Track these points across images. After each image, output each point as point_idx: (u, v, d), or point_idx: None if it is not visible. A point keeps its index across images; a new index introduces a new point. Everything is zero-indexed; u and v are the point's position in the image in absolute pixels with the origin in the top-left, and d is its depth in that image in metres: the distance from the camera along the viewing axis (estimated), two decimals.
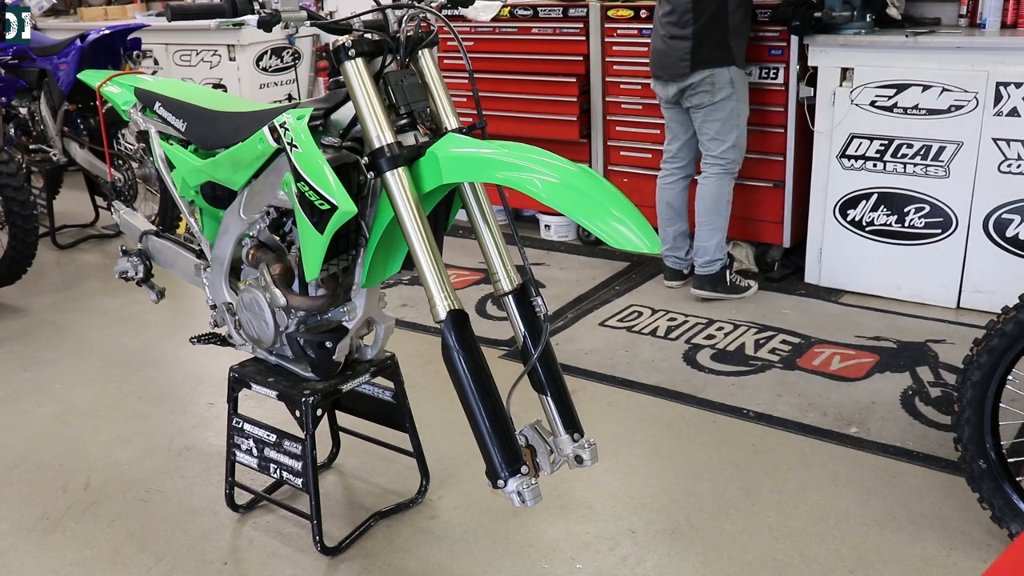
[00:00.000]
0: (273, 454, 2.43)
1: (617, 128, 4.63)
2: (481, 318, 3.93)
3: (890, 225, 3.90)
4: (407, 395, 2.57)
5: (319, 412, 2.35)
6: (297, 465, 2.37)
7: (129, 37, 4.87)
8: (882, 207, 3.90)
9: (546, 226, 5.00)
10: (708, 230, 3.99)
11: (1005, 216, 3.64)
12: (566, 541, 2.45)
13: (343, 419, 2.84)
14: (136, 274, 2.87)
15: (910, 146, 3.77)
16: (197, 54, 6.25)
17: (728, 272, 4.05)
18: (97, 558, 2.48)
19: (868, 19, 3.90)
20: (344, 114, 2.14)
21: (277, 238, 2.39)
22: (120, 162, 4.73)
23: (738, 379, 3.32)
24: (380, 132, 1.97)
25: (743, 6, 3.78)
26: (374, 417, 2.69)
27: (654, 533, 2.47)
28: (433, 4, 2.10)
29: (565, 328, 3.81)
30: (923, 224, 3.83)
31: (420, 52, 2.10)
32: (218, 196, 2.47)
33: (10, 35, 4.53)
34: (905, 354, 3.45)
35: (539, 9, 4.65)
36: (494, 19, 4.76)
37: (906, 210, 3.85)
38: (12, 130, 5.13)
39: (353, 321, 2.32)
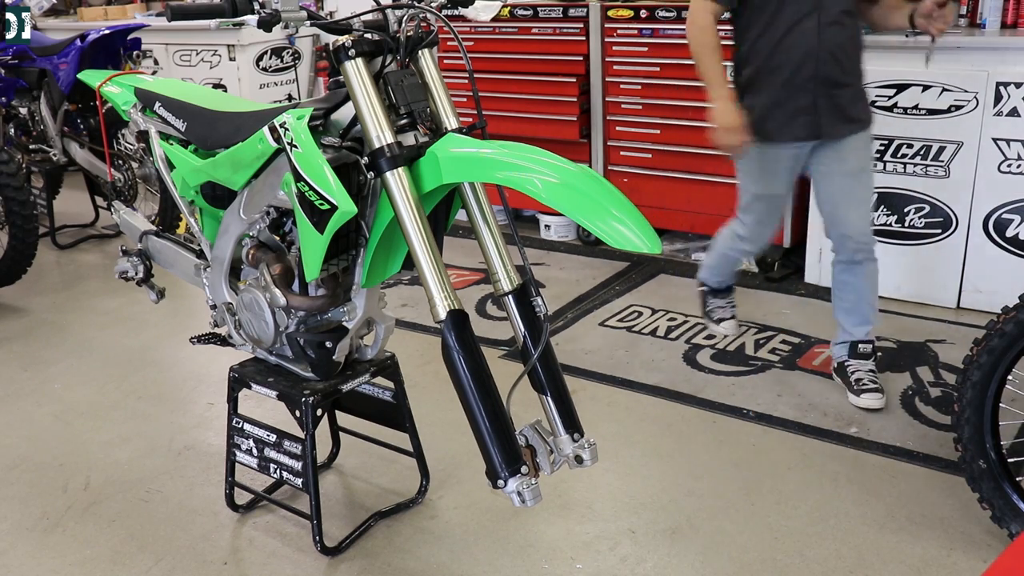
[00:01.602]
0: (273, 454, 2.43)
1: (617, 128, 4.63)
2: (481, 318, 3.93)
3: (890, 225, 3.90)
4: (407, 395, 2.57)
5: (319, 412, 2.35)
6: (297, 465, 2.37)
7: (129, 37, 4.86)
8: (882, 207, 3.90)
9: (546, 226, 5.00)
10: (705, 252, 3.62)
11: (1005, 216, 3.64)
12: (566, 541, 2.45)
13: (343, 419, 2.84)
14: (136, 274, 2.87)
15: (910, 146, 3.77)
16: (197, 54, 6.24)
17: (709, 302, 3.62)
18: (97, 558, 2.48)
19: None
20: (344, 114, 2.14)
21: (277, 238, 2.39)
22: (120, 162, 4.73)
23: (738, 379, 3.32)
24: (380, 132, 1.97)
25: (754, 61, 2.89)
26: (374, 417, 2.69)
27: (654, 533, 2.47)
28: (433, 4, 2.10)
29: (565, 328, 3.81)
30: (923, 224, 3.83)
31: (420, 52, 2.10)
32: (218, 196, 2.47)
33: (10, 35, 4.53)
34: (905, 354, 3.45)
35: (539, 9, 4.65)
36: (494, 19, 4.76)
37: (906, 210, 3.85)
38: (12, 130, 5.12)
39: (353, 321, 2.33)
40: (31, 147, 5.02)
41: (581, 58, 4.60)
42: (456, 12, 2.31)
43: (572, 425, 2.15)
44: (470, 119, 2.13)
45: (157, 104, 2.55)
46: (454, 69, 4.91)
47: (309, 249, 2.10)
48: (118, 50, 4.84)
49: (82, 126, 4.95)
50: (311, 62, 6.46)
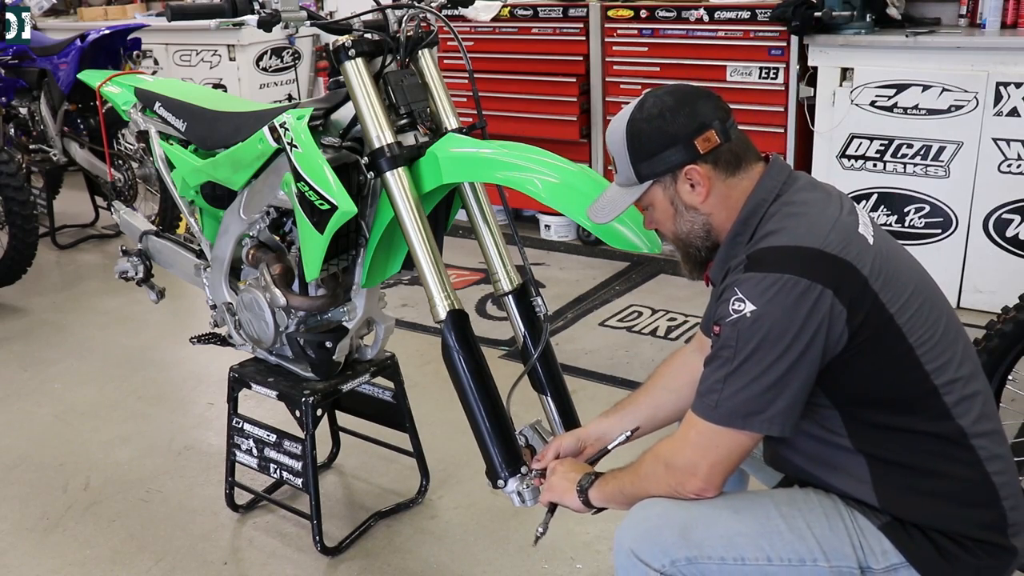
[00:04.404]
0: (273, 454, 2.43)
1: None
2: (481, 318, 3.93)
3: (890, 225, 3.90)
4: (407, 395, 2.57)
5: (319, 412, 2.35)
6: (297, 465, 2.37)
7: (129, 37, 4.86)
8: (882, 207, 3.90)
9: (546, 226, 5.00)
10: None
11: (1005, 216, 3.64)
12: (566, 541, 2.45)
13: (343, 419, 2.84)
14: (136, 274, 2.87)
15: (910, 146, 3.77)
16: (197, 54, 6.24)
17: None
18: (97, 558, 2.48)
19: (868, 19, 3.90)
20: (344, 114, 2.14)
21: (277, 238, 2.40)
22: (120, 162, 4.72)
23: None
24: (380, 132, 1.97)
25: None
26: (374, 417, 2.69)
27: None
28: (433, 4, 2.10)
29: (565, 328, 3.81)
30: (923, 224, 3.83)
31: (420, 52, 2.10)
32: (218, 196, 2.47)
33: (10, 35, 4.53)
34: None
35: (539, 9, 4.65)
36: (494, 19, 4.75)
37: (906, 210, 3.85)
38: (12, 130, 5.12)
39: (353, 321, 2.33)
40: (31, 147, 5.02)
41: (581, 58, 4.60)
42: (456, 12, 2.31)
43: (572, 425, 2.15)
44: (470, 119, 2.13)
45: (157, 104, 2.55)
46: (454, 69, 4.91)
47: (309, 249, 2.10)
48: (118, 50, 4.84)
49: (82, 126, 4.95)
50: (311, 62, 6.45)
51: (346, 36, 1.97)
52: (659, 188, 1.57)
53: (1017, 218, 3.62)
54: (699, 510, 1.52)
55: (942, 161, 3.72)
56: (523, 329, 2.13)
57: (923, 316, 1.47)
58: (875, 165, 3.87)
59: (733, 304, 1.43)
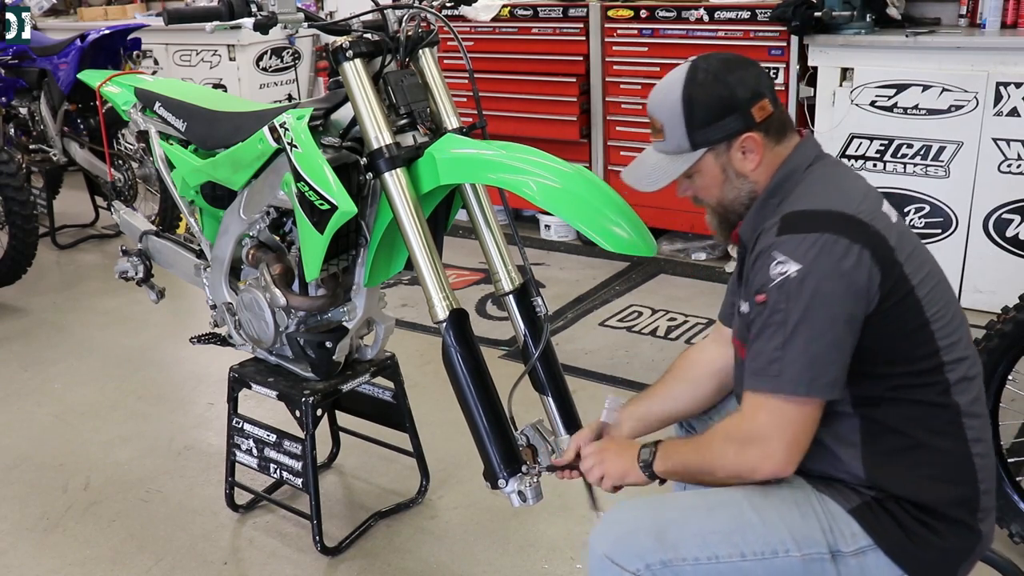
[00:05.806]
0: (273, 454, 2.43)
1: (617, 128, 4.63)
2: (481, 318, 3.93)
3: None
4: (407, 395, 2.57)
5: (319, 412, 2.35)
6: (297, 465, 2.37)
7: (129, 37, 4.86)
8: None
9: (546, 226, 5.00)
10: None
11: (1005, 216, 3.64)
12: (566, 541, 2.45)
13: (343, 419, 2.84)
14: (136, 274, 2.87)
15: (910, 146, 3.77)
16: (197, 54, 6.24)
17: None
18: (97, 558, 2.48)
19: (868, 19, 3.90)
20: (344, 114, 2.14)
21: (277, 238, 2.40)
22: (120, 162, 4.72)
23: None
24: (378, 133, 1.96)
25: None
26: (374, 417, 2.69)
27: None
28: (433, 4, 2.10)
29: (565, 328, 3.81)
30: (923, 224, 3.83)
31: (420, 52, 2.10)
32: (218, 196, 2.47)
33: (10, 35, 4.53)
34: None
35: (539, 9, 4.65)
36: (494, 19, 4.75)
37: (906, 210, 3.85)
38: (12, 130, 5.12)
39: (353, 321, 2.33)
40: (31, 147, 5.02)
41: (581, 58, 4.60)
42: (456, 12, 2.30)
43: (573, 425, 2.16)
44: (470, 119, 2.13)
45: (157, 104, 2.55)
46: (454, 69, 4.91)
47: (309, 249, 2.10)
48: (118, 50, 4.84)
49: (82, 126, 4.94)
50: (311, 62, 6.45)
51: (344, 37, 1.97)
52: (711, 156, 1.57)
53: (1017, 218, 3.62)
54: (673, 512, 1.54)
55: (942, 161, 3.72)
56: (524, 329, 2.13)
57: (938, 295, 1.50)
58: (875, 165, 3.87)
59: (775, 267, 1.42)
